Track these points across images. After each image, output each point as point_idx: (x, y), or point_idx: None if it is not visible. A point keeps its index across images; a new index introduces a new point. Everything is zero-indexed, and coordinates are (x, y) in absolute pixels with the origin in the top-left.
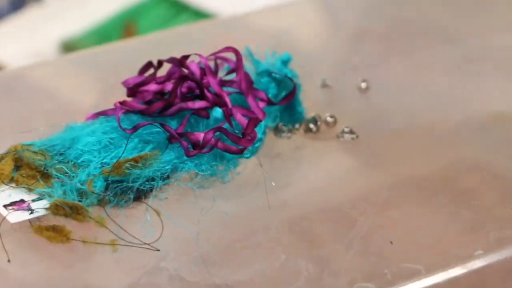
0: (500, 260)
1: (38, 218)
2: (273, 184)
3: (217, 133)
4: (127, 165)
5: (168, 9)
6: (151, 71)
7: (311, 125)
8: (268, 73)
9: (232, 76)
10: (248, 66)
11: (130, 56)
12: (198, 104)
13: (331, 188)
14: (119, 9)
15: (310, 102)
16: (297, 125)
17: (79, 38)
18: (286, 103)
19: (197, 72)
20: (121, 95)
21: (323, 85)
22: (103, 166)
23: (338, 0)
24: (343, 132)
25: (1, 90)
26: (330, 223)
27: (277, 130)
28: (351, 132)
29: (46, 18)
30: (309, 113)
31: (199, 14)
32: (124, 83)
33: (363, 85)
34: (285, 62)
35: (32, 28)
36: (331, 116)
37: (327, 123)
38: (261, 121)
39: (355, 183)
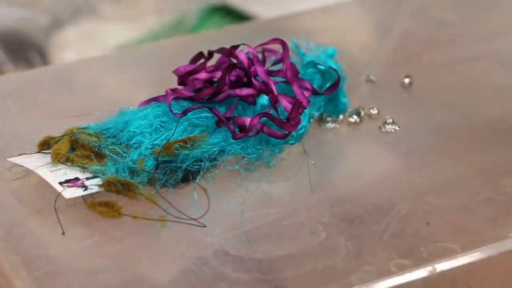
0: None
1: (91, 194)
2: (316, 168)
3: (263, 118)
4: (177, 145)
5: (222, 18)
6: (201, 62)
7: (355, 117)
8: (313, 64)
9: (279, 67)
10: (294, 58)
11: (179, 52)
12: (246, 91)
13: (371, 175)
14: (174, 18)
15: (354, 96)
16: (340, 116)
17: (134, 46)
18: (331, 93)
19: (245, 61)
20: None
21: (367, 80)
22: (153, 147)
23: (385, 1)
24: (385, 123)
25: (59, 80)
26: (370, 205)
27: (321, 120)
28: (394, 123)
29: (101, 27)
30: (352, 106)
31: None
32: (176, 71)
33: (406, 81)
34: (330, 56)
35: (88, 37)
36: (374, 109)
37: (370, 115)
38: (305, 107)
39: (395, 171)
